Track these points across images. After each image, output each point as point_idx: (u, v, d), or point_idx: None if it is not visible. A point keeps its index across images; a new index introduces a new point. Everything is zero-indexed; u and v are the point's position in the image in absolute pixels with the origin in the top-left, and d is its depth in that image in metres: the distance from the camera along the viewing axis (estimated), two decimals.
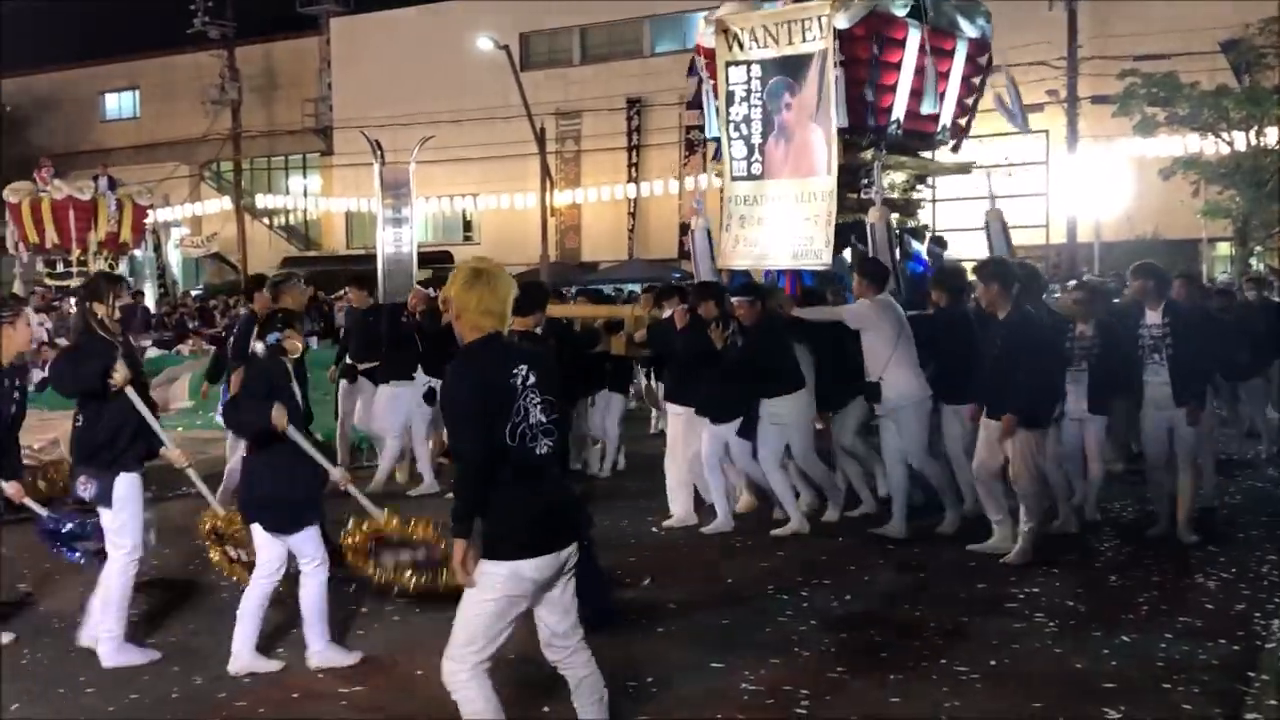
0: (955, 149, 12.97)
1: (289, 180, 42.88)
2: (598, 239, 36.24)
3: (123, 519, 6.08)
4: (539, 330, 7.28)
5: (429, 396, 10.35)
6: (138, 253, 22.53)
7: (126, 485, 6.09)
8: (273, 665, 6.02)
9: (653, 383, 12.91)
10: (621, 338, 10.73)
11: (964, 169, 13.42)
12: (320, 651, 6.05)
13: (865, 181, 11.46)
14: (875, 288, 8.79)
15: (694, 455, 9.14)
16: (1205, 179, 24.28)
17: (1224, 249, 27.74)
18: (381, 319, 11.00)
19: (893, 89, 11.35)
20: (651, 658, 6.08)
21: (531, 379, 4.32)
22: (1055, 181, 29.39)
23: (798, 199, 11.24)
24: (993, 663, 6.02)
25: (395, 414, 10.67)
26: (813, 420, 9.02)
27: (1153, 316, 8.43)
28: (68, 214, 17.84)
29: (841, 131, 10.95)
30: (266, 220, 41.19)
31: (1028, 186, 31.30)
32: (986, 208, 12.08)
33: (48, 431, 10.15)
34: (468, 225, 38.91)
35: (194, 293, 31.81)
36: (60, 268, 18.11)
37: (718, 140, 12.13)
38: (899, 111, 11.51)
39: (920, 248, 12.31)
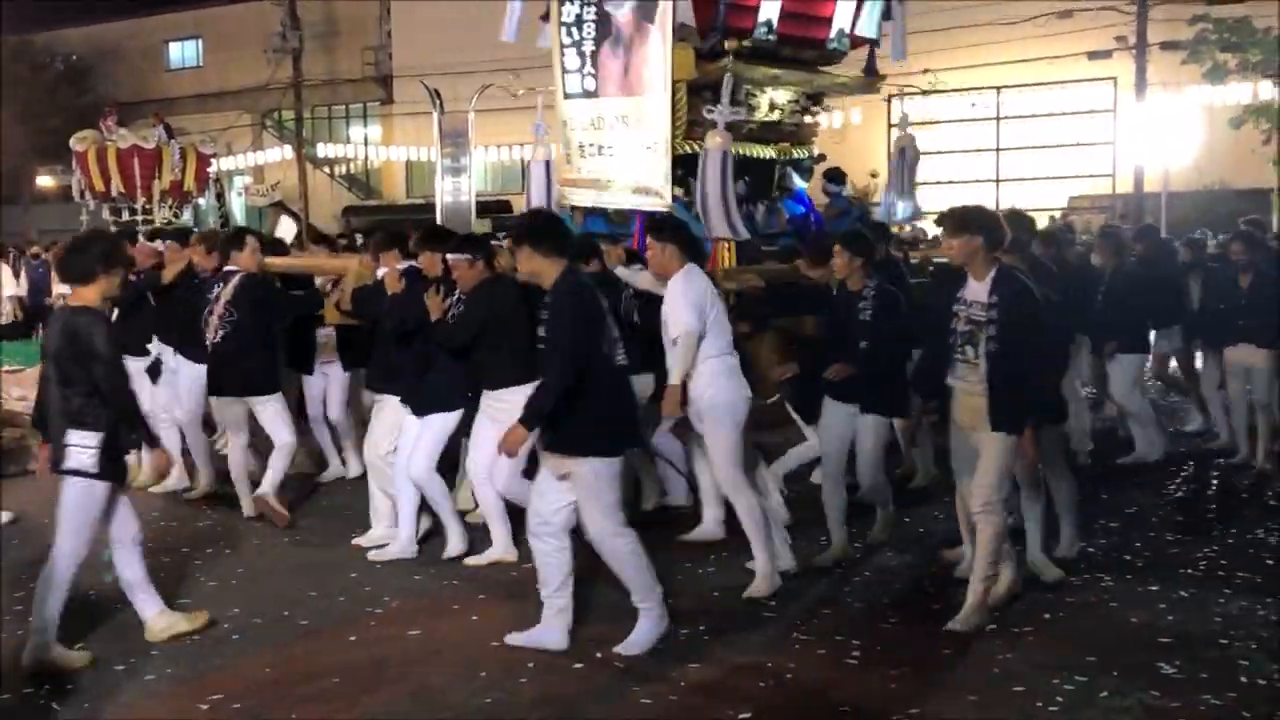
0: (869, 69, 10.33)
1: (349, 129, 43.02)
2: None
3: None
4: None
5: (155, 370, 8.83)
6: (201, 201, 22.74)
7: None
8: None
9: None
10: (332, 302, 8.36)
11: (870, 86, 10.61)
12: None
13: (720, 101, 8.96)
14: (683, 248, 6.68)
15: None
16: (1277, 127, 23.73)
17: None
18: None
19: None
20: None
21: None
22: (1122, 130, 28.86)
23: (634, 122, 9.01)
24: (1047, 616, 6.01)
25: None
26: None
27: (975, 289, 5.86)
28: (132, 162, 17.99)
29: (698, 35, 8.92)
30: (327, 169, 41.41)
31: (1094, 135, 30.83)
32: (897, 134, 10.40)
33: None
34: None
35: None
36: (125, 215, 18.28)
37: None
38: (770, 10, 9.12)
39: (803, 184, 10.23)
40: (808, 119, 10.16)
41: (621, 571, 5.62)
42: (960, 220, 5.84)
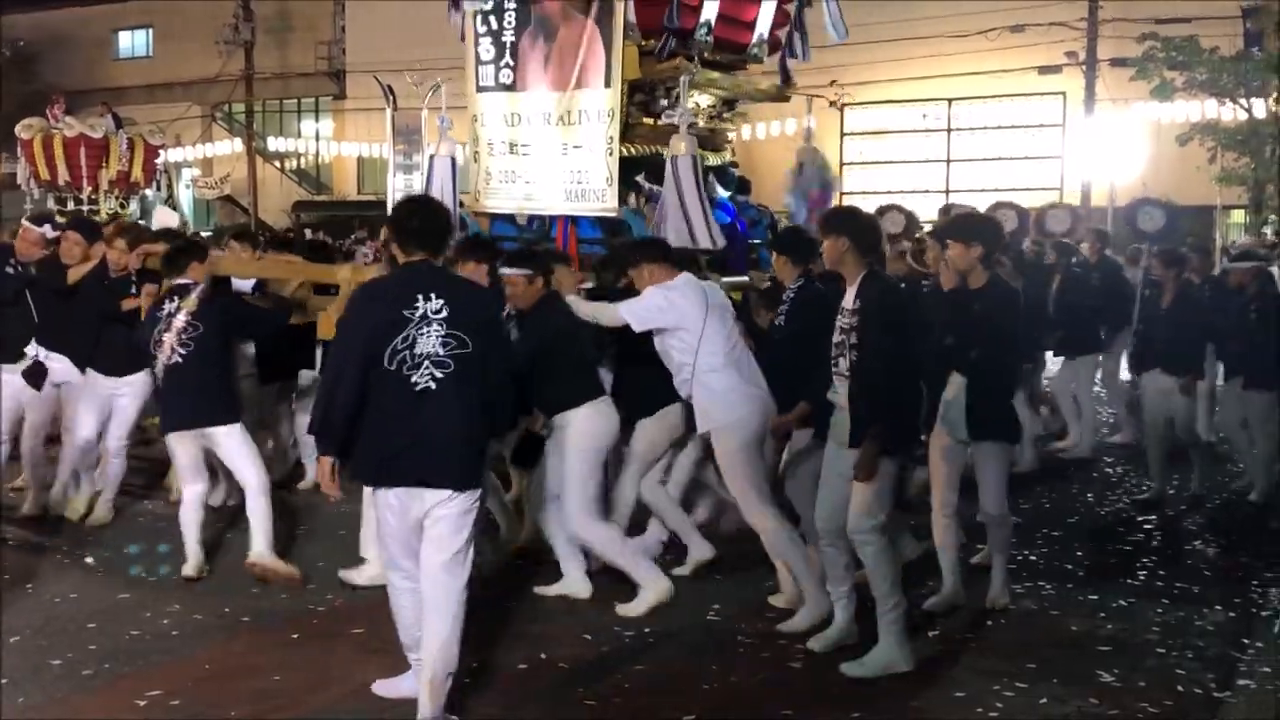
0: (785, 80, 9.87)
1: (301, 123, 42.68)
2: None
3: None
4: None
5: (34, 373, 7.72)
6: (149, 192, 22.47)
7: None
8: None
9: None
10: (331, 315, 7.08)
11: (782, 96, 10.22)
12: None
13: (664, 103, 8.56)
14: (663, 263, 6.24)
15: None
16: (1222, 145, 24.12)
17: (1238, 216, 27.58)
18: None
19: None
20: None
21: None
22: (1070, 144, 29.22)
23: (563, 120, 8.51)
24: (989, 623, 6.07)
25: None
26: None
27: (849, 295, 5.49)
28: (79, 151, 17.72)
29: (639, 33, 8.42)
30: (278, 163, 41.07)
31: (1043, 148, 31.18)
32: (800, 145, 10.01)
33: None
34: None
35: (204, 234, 31.78)
36: (71, 205, 18.03)
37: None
38: (710, 11, 8.66)
39: (726, 193, 9.77)
40: (723, 125, 9.76)
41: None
42: (825, 221, 5.61)
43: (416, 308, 4.59)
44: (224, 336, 6.84)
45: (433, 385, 4.58)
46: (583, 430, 6.19)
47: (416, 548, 4.72)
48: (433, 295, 4.62)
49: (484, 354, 4.67)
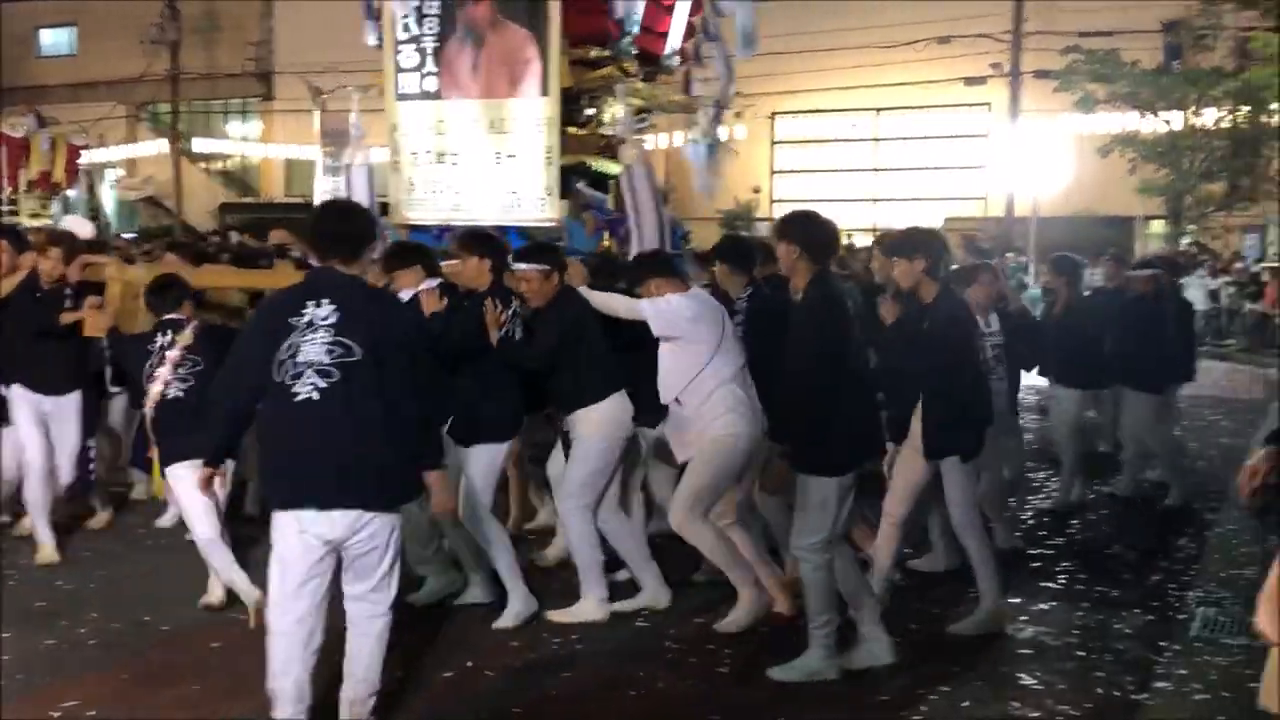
0: (687, 88, 9.91)
1: (228, 125, 42.21)
2: None
3: None
4: None
5: None
6: (71, 193, 22.14)
7: None
8: None
9: None
10: (94, 314, 6.97)
11: (692, 106, 10.11)
12: None
13: (590, 112, 8.54)
14: (672, 278, 6.11)
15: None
16: (1142, 157, 24.61)
17: (1158, 227, 28.16)
18: None
19: None
20: None
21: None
22: (995, 155, 29.66)
23: (493, 128, 8.41)
24: (913, 626, 6.12)
25: None
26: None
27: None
28: None
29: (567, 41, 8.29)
30: (204, 165, 40.56)
31: (968, 158, 31.63)
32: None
33: None
34: None
35: (127, 236, 31.32)
36: None
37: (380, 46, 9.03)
38: (634, 20, 8.62)
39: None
40: (635, 135, 9.40)
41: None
42: (779, 227, 5.53)
43: (303, 314, 4.28)
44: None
45: (315, 396, 4.21)
46: (603, 424, 6.03)
47: (316, 585, 4.34)
48: (324, 301, 4.30)
49: (381, 362, 4.27)
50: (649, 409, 6.16)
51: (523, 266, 6.08)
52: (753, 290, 6.48)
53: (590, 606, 6.11)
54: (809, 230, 5.33)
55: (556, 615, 6.09)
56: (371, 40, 9.19)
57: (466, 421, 5.99)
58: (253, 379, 4.33)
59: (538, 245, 6.69)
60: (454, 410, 5.94)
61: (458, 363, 5.95)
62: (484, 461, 6.04)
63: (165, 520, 7.77)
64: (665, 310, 5.90)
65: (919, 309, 5.94)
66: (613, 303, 6.15)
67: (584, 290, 6.24)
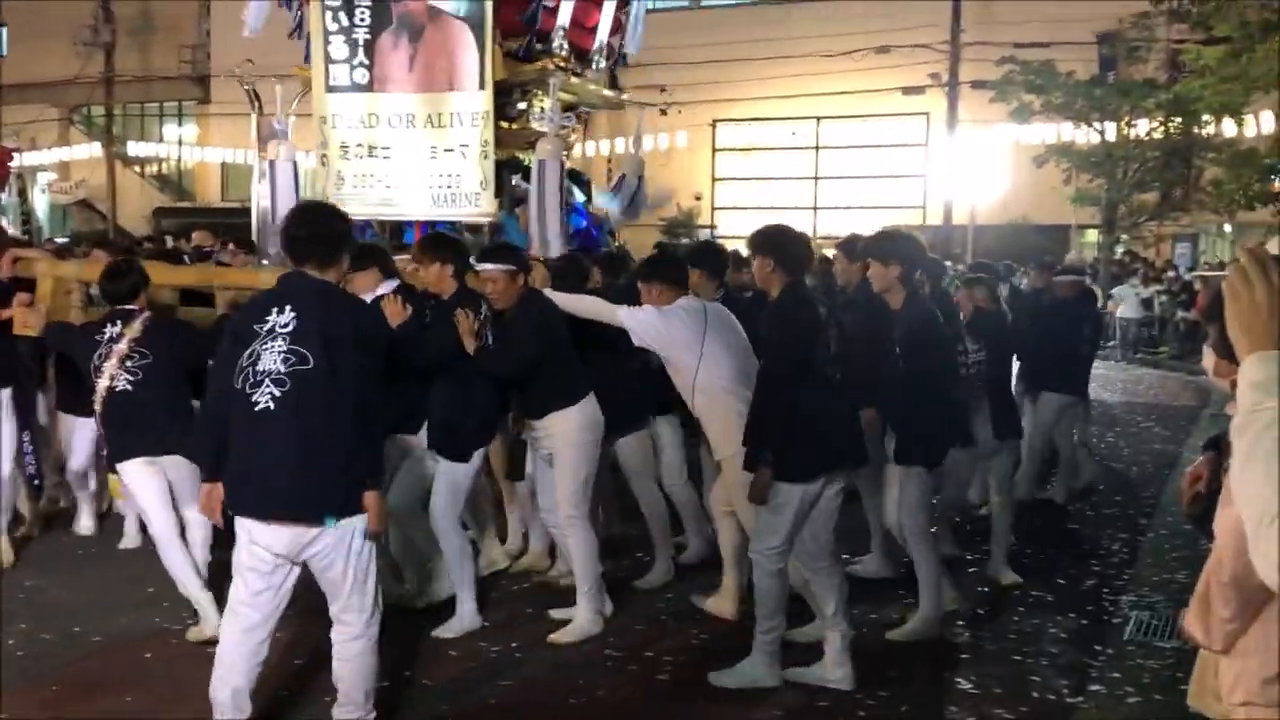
0: (613, 84, 9.91)
1: (163, 128, 41.67)
2: None
3: None
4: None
5: None
6: (2, 197, 21.75)
7: None
8: None
9: None
10: (23, 312, 6.80)
11: (619, 104, 10.27)
12: None
13: (521, 106, 8.53)
14: (673, 285, 5.96)
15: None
16: (1076, 167, 24.96)
17: (1092, 235, 28.57)
18: None
19: None
20: None
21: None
22: (934, 163, 29.97)
23: (432, 122, 8.34)
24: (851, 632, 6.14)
25: None
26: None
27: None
28: None
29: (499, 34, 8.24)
30: (138, 168, 40.02)
31: (907, 167, 31.92)
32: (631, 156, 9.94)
33: None
34: None
35: (60, 240, 30.84)
36: None
37: (306, 39, 8.88)
38: (565, 15, 8.58)
39: (583, 198, 9.61)
40: (564, 131, 9.19)
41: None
42: (753, 241, 5.49)
43: (267, 320, 4.21)
44: (175, 362, 6.09)
45: (271, 405, 4.14)
46: (576, 430, 5.96)
47: (269, 597, 4.31)
48: (287, 308, 4.21)
49: (333, 371, 4.16)
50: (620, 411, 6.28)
51: (489, 267, 5.94)
52: (723, 294, 6.45)
53: (587, 620, 6.04)
54: (783, 245, 5.33)
55: (558, 637, 5.96)
56: (290, 31, 9.09)
57: (442, 431, 5.91)
58: (228, 385, 4.27)
59: (503, 245, 6.53)
60: (430, 420, 5.91)
61: (431, 374, 5.83)
62: (460, 471, 5.94)
63: (128, 542, 7.46)
64: (642, 321, 5.79)
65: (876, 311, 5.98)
66: (584, 305, 6.04)
67: (550, 292, 6.12)
